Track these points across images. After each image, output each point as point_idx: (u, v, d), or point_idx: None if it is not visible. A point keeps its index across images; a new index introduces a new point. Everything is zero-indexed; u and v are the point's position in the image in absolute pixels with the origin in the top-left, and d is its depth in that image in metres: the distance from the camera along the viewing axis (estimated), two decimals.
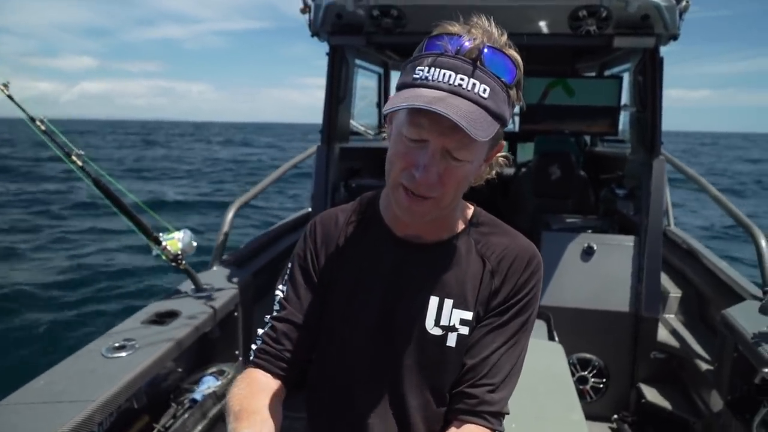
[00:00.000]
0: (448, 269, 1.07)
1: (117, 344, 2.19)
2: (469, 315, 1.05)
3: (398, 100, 0.90)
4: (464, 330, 1.05)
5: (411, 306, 1.06)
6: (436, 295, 1.06)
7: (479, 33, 0.92)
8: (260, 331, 1.13)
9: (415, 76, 0.92)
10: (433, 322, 1.05)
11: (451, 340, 1.05)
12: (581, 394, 2.23)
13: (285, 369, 1.10)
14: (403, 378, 1.06)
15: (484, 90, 0.90)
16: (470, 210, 1.13)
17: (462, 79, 0.89)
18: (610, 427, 3.03)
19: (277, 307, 1.14)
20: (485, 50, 0.90)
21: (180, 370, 2.58)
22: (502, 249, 1.08)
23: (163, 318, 2.46)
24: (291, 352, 1.10)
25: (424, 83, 0.91)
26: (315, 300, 1.12)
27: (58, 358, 2.10)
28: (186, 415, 2.38)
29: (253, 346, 1.13)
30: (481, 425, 1.02)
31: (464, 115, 0.86)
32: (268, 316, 1.14)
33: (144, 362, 2.10)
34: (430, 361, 1.05)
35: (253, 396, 1.02)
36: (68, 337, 5.90)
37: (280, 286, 1.15)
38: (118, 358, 2.12)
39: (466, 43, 0.90)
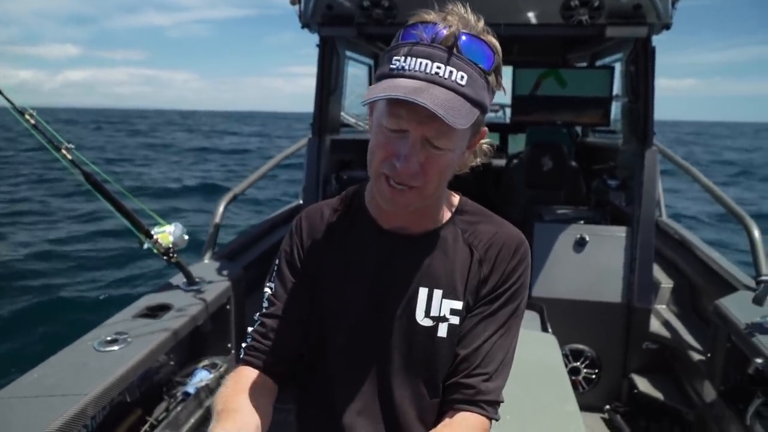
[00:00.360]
0: (435, 259, 1.06)
1: (109, 338, 2.17)
2: (458, 305, 1.05)
3: (376, 91, 0.90)
4: (455, 320, 1.04)
5: (400, 298, 1.05)
6: (425, 286, 1.05)
7: (455, 20, 0.91)
8: (250, 329, 1.13)
9: (392, 66, 0.92)
10: (423, 313, 1.05)
11: (442, 331, 1.04)
12: (573, 385, 2.25)
13: (275, 365, 1.08)
14: (394, 370, 1.06)
15: (462, 77, 0.89)
16: (456, 199, 1.13)
17: (438, 68, 0.88)
18: (602, 418, 3.06)
19: (265, 304, 1.13)
20: (462, 37, 0.90)
21: (172, 363, 2.56)
22: (489, 237, 1.07)
23: (155, 311, 2.44)
24: (281, 347, 1.09)
25: (400, 73, 0.90)
26: (303, 294, 1.11)
27: (40, 348, 2.08)
28: (179, 408, 2.37)
29: (243, 344, 1.12)
30: (478, 414, 1.01)
31: (442, 104, 0.85)
32: (258, 314, 1.13)
33: (136, 356, 2.08)
34: (421, 352, 1.05)
35: (237, 394, 1.00)
36: (53, 325, 5.85)
37: (269, 283, 1.14)
38: (110, 352, 2.10)
39: (442, 31, 0.89)
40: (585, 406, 1.92)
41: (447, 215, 1.10)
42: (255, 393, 1.02)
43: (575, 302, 3.07)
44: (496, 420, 1.04)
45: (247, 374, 1.07)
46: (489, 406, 1.03)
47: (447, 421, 1.02)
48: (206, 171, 21.74)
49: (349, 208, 1.14)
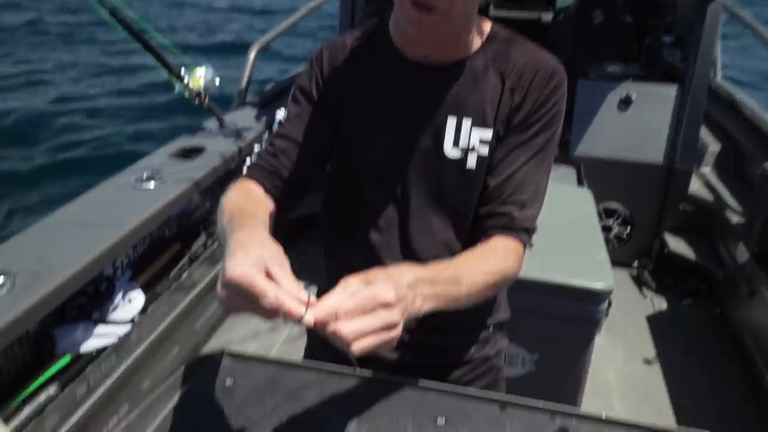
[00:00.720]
0: (464, 88, 1.00)
1: (145, 176, 2.21)
2: (488, 134, 0.99)
3: None
4: (484, 150, 1.00)
5: (427, 128, 1.01)
6: (454, 115, 1.00)
7: None
8: (258, 148, 1.08)
9: None
10: (451, 144, 1.00)
11: (471, 162, 1.00)
12: (604, 242, 2.26)
13: (279, 187, 1.03)
14: (421, 204, 1.03)
15: None
16: (487, 26, 1.04)
17: None
18: (629, 274, 3.10)
19: (276, 127, 1.08)
20: None
21: (208, 204, 2.62)
22: (522, 64, 1.00)
23: (189, 153, 2.46)
24: (288, 170, 1.04)
25: None
26: (319, 122, 1.06)
27: (67, 198, 2.11)
28: (215, 245, 2.46)
29: (249, 162, 1.07)
30: (513, 238, 0.99)
31: None
32: (268, 135, 1.08)
33: (172, 193, 2.13)
34: (449, 185, 1.02)
35: (250, 203, 0.96)
36: (80, 178, 5.98)
37: (283, 110, 1.08)
38: (146, 190, 2.15)
39: None
40: (614, 262, 1.92)
41: (477, 43, 1.02)
42: (264, 207, 0.99)
43: (614, 162, 2.99)
44: (530, 247, 1.02)
45: (252, 188, 1.03)
46: (524, 232, 1.00)
47: (481, 245, 0.99)
48: (234, 30, 21.10)
49: (373, 37, 1.06)
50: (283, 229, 0.90)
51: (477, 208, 1.02)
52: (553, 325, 1.83)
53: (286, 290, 0.66)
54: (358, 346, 0.65)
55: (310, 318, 0.65)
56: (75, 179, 5.91)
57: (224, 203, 0.95)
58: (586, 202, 2.27)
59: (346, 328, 0.65)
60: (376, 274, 0.72)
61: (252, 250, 0.70)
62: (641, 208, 3.05)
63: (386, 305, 0.68)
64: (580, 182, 2.69)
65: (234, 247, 0.71)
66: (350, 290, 0.68)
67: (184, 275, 2.27)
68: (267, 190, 1.03)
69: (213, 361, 0.96)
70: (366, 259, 1.06)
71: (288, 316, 0.66)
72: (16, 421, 1.55)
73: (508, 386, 1.24)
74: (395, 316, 0.68)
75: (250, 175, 1.04)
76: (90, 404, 1.73)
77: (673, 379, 2.45)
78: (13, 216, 5.25)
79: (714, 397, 2.35)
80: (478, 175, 1.01)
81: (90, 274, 1.77)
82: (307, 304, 0.66)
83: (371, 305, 0.67)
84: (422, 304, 0.76)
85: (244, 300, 0.67)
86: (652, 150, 2.96)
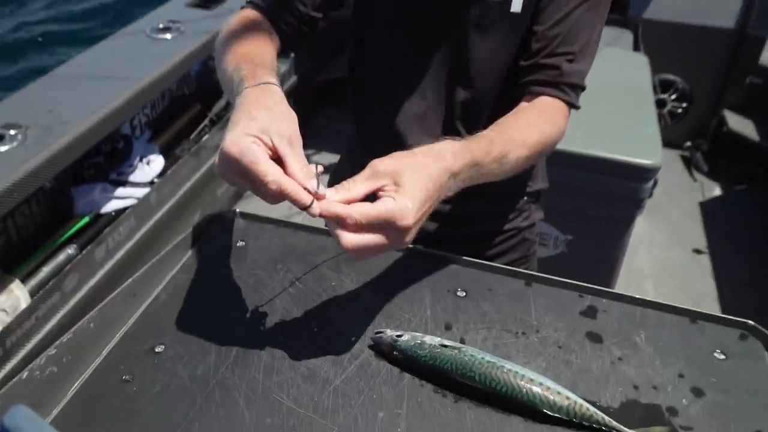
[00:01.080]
0: None
1: (162, 25, 2.07)
2: None
3: None
4: None
5: None
6: None
7: None
8: None
9: None
10: None
11: (516, 5, 0.86)
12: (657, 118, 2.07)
13: (290, 23, 0.89)
14: (461, 52, 0.91)
15: None
16: None
17: None
18: (680, 155, 2.89)
19: None
20: None
21: None
22: None
23: (208, 2, 2.30)
24: (303, 3, 0.88)
25: None
26: None
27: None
28: None
29: None
30: (558, 97, 0.86)
31: None
32: None
33: (190, 46, 2.00)
34: (491, 32, 0.88)
35: (258, 45, 0.82)
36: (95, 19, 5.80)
37: None
38: (163, 40, 2.02)
39: None
40: (664, 142, 1.75)
41: None
42: (273, 52, 0.84)
43: (678, 26, 2.67)
44: (577, 108, 0.89)
45: (258, 22, 0.88)
46: (571, 90, 0.87)
47: (526, 108, 0.86)
48: None
49: None
50: (310, 92, 0.76)
51: (520, 59, 0.89)
52: (592, 203, 1.71)
53: (293, 175, 0.60)
54: (357, 256, 0.61)
55: (315, 210, 0.59)
56: (79, 48, 5.72)
57: (227, 39, 0.82)
58: (642, 70, 2.05)
59: (349, 240, 0.59)
60: (409, 170, 0.62)
61: (259, 120, 0.62)
62: (702, 80, 2.77)
63: (401, 229, 0.60)
64: (636, 48, 2.43)
65: (239, 115, 0.63)
66: (375, 183, 0.61)
67: (205, 138, 2.18)
68: (276, 26, 0.88)
69: (225, 220, 0.92)
70: (399, 125, 0.97)
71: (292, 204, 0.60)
72: (34, 281, 1.55)
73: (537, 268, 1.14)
74: (406, 238, 0.62)
75: (258, 6, 0.89)
76: (109, 267, 1.72)
77: (715, 269, 2.33)
78: (16, 81, 5.17)
79: (757, 291, 2.23)
80: (524, 20, 0.87)
81: (106, 129, 1.70)
82: (315, 195, 0.59)
83: (384, 225, 0.60)
84: (460, 185, 0.70)
85: (243, 179, 0.60)
86: (722, 12, 2.63)
